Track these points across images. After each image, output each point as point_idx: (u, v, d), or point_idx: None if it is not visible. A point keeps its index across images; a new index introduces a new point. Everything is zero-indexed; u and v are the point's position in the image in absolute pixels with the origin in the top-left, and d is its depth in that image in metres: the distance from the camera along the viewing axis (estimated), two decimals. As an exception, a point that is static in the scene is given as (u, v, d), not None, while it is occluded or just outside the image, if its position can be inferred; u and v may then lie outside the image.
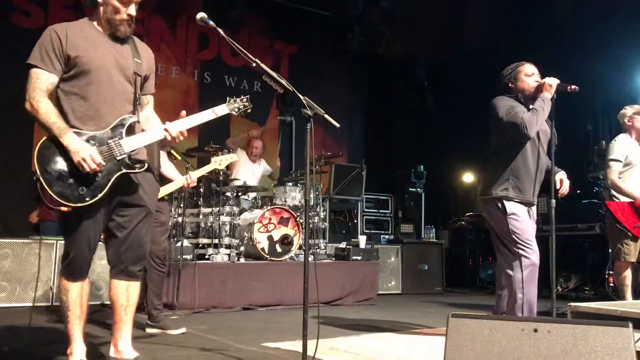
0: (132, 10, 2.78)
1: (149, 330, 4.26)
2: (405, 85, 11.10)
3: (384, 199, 9.30)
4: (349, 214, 8.83)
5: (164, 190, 4.30)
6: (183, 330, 4.25)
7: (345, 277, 6.50)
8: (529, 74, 3.76)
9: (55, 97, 2.73)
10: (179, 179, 4.45)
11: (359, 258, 6.77)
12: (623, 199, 4.96)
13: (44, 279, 5.54)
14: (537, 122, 3.55)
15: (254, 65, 2.90)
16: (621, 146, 5.02)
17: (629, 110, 5.15)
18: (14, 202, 7.01)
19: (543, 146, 3.77)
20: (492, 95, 3.84)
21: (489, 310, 4.36)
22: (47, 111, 2.64)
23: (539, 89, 3.66)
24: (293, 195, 6.69)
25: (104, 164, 2.65)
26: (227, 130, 9.20)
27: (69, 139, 2.61)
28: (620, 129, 5.20)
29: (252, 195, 7.05)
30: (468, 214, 9.91)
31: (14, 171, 7.01)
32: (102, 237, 2.89)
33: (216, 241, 6.01)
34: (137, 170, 2.77)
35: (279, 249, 6.19)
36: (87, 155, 2.60)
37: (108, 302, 3.35)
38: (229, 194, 6.26)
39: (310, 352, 2.71)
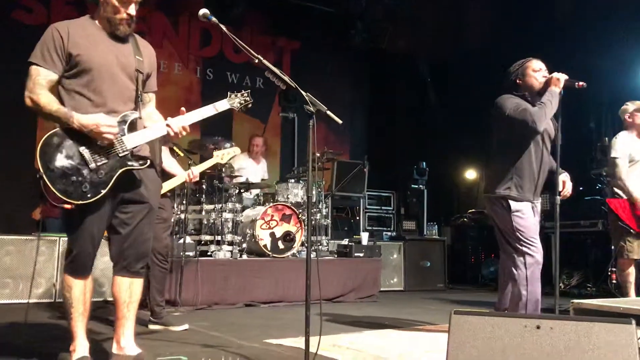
0: (132, 10, 2.78)
1: (152, 327, 4.27)
2: (407, 81, 11.08)
3: (386, 195, 9.29)
4: (351, 210, 8.83)
5: (167, 186, 4.31)
6: (185, 326, 4.25)
7: (348, 274, 6.51)
8: (536, 70, 3.74)
9: (57, 95, 2.73)
10: (181, 174, 4.46)
11: (361, 255, 6.77)
12: (625, 196, 4.95)
13: (47, 275, 5.56)
14: (546, 116, 3.54)
15: (257, 61, 2.89)
16: (622, 143, 5.00)
17: (630, 107, 5.13)
18: (17, 199, 7.02)
19: (547, 146, 3.76)
20: (495, 92, 3.83)
21: (491, 307, 4.35)
22: (48, 101, 2.64)
23: (547, 83, 3.65)
24: (295, 192, 6.69)
25: (117, 129, 2.66)
26: (229, 127, 9.20)
27: (79, 117, 2.62)
28: (622, 126, 5.19)
29: (255, 192, 7.05)
30: (470, 210, 9.91)
31: (17, 168, 7.01)
32: (105, 234, 2.89)
33: (218, 238, 6.01)
34: (139, 167, 2.77)
35: (281, 246, 6.20)
36: (104, 125, 2.61)
37: (111, 299, 3.35)
38: (231, 190, 6.26)
39: (312, 349, 2.71)
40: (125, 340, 2.86)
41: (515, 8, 8.62)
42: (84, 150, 2.64)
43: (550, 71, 3.74)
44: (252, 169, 7.34)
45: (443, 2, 9.26)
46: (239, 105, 3.03)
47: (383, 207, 9.21)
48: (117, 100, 2.77)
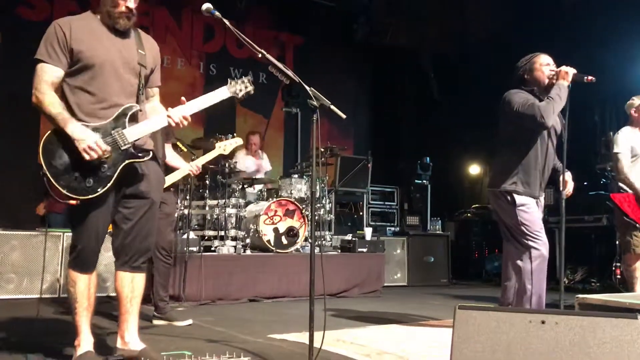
0: (131, 3, 2.76)
1: (156, 322, 4.27)
2: (411, 76, 11.07)
3: (389, 191, 9.29)
4: (354, 206, 8.82)
5: (170, 179, 4.31)
6: (189, 321, 4.26)
7: (351, 269, 6.51)
8: (544, 64, 3.72)
9: (60, 91, 2.73)
10: (184, 167, 4.45)
11: (364, 250, 6.77)
12: (630, 190, 4.93)
13: (51, 271, 5.57)
14: (554, 110, 3.52)
15: (260, 56, 2.87)
16: (625, 138, 4.98)
17: (636, 101, 5.09)
18: (20, 195, 7.03)
19: (553, 141, 3.75)
20: (500, 87, 3.81)
21: (495, 302, 4.35)
22: (51, 102, 2.64)
23: (556, 77, 3.63)
24: (299, 188, 6.68)
25: (109, 149, 2.65)
26: (232, 122, 9.21)
27: (73, 128, 2.61)
28: (627, 120, 5.16)
29: (258, 187, 7.05)
30: (474, 205, 9.90)
31: (20, 163, 7.02)
32: (110, 229, 2.89)
33: (222, 233, 6.02)
34: (142, 159, 2.77)
35: (284, 241, 6.19)
36: (92, 142, 2.60)
37: (114, 294, 3.36)
38: (234, 186, 6.26)
39: (316, 344, 2.71)
40: (130, 335, 2.87)
41: (519, 2, 8.58)
42: None
43: (557, 66, 3.72)
44: (253, 167, 7.33)
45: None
46: (239, 92, 2.93)
47: (386, 203, 9.20)
48: (120, 96, 2.76)
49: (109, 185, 2.67)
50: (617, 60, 7.64)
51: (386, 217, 9.13)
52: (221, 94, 2.92)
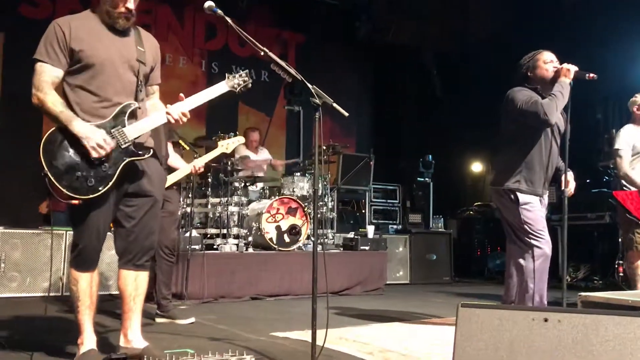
0: (130, 3, 2.75)
1: (159, 320, 4.28)
2: (413, 74, 11.05)
3: (392, 188, 9.28)
4: (357, 203, 8.83)
5: (172, 178, 4.31)
6: (192, 319, 4.26)
7: (354, 267, 6.51)
8: (547, 61, 3.71)
9: (61, 91, 2.73)
10: (184, 167, 4.45)
11: (367, 248, 6.77)
12: (633, 188, 4.92)
13: (54, 269, 5.57)
14: (557, 107, 3.52)
15: (262, 54, 2.87)
16: (627, 135, 4.97)
17: (639, 99, 5.08)
18: (23, 193, 7.04)
19: (557, 140, 3.74)
20: (502, 84, 3.81)
21: (498, 300, 4.34)
22: (53, 101, 2.64)
23: (557, 74, 3.63)
24: (301, 185, 6.68)
25: (115, 145, 2.66)
26: (235, 120, 9.21)
27: (78, 126, 2.62)
28: (630, 118, 5.15)
29: (260, 185, 7.05)
30: (476, 203, 9.89)
31: (23, 162, 7.01)
32: (111, 227, 2.89)
33: (224, 231, 6.03)
34: (142, 157, 2.77)
35: (287, 239, 6.20)
36: (100, 139, 2.61)
37: (117, 292, 3.36)
38: (237, 184, 6.26)
39: (319, 342, 2.71)
40: (132, 334, 2.87)
41: (520, 1, 8.57)
42: None
43: (560, 63, 3.71)
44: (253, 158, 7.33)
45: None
46: (237, 86, 2.95)
47: (389, 200, 9.20)
48: (121, 94, 2.76)
49: (110, 184, 2.67)
50: (618, 59, 7.62)
51: (388, 215, 9.13)
52: (220, 88, 2.92)
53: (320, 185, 6.68)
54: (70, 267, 2.81)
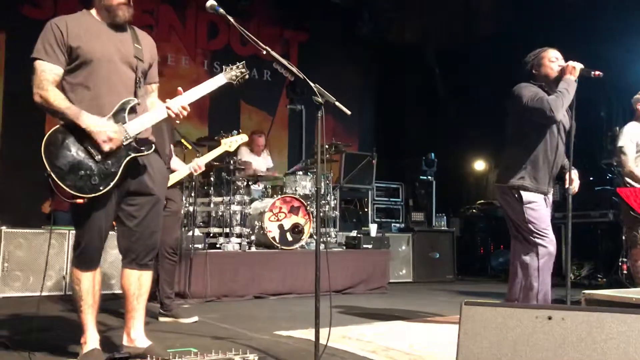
0: None
1: (162, 319, 4.28)
2: (416, 73, 11.03)
3: (394, 187, 9.27)
4: (359, 202, 8.81)
5: (174, 177, 4.31)
6: (195, 318, 4.27)
7: (357, 265, 6.50)
8: (552, 59, 3.70)
9: (61, 89, 2.72)
10: (183, 169, 4.45)
11: (369, 246, 6.77)
12: (637, 185, 4.90)
13: (57, 268, 5.59)
14: (563, 104, 3.51)
15: (264, 53, 2.87)
16: (630, 132, 4.95)
17: (643, 96, 5.07)
18: (26, 193, 7.05)
19: (562, 137, 3.73)
20: (506, 82, 3.79)
21: (501, 298, 4.34)
22: (57, 98, 2.64)
23: (563, 71, 3.62)
24: (303, 184, 6.68)
25: (123, 138, 2.66)
26: (237, 119, 9.21)
27: (88, 120, 2.62)
28: (634, 115, 5.13)
29: (263, 184, 7.05)
30: (479, 201, 9.88)
31: (26, 162, 7.01)
32: (114, 226, 2.89)
33: (227, 230, 6.02)
34: (145, 153, 2.76)
35: (289, 238, 6.20)
36: (112, 132, 2.62)
37: (119, 292, 3.36)
38: (239, 183, 6.26)
39: (322, 340, 2.71)
40: (136, 333, 2.87)
41: (523, -2, 8.56)
42: (88, 143, 2.64)
43: (565, 61, 3.70)
44: (255, 163, 7.33)
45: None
46: (235, 78, 2.95)
47: (391, 199, 9.18)
48: (120, 91, 2.76)
49: (114, 181, 2.66)
50: (623, 55, 7.60)
51: (391, 214, 9.12)
52: (218, 81, 2.92)
53: (322, 184, 6.68)
54: (73, 266, 2.81)
